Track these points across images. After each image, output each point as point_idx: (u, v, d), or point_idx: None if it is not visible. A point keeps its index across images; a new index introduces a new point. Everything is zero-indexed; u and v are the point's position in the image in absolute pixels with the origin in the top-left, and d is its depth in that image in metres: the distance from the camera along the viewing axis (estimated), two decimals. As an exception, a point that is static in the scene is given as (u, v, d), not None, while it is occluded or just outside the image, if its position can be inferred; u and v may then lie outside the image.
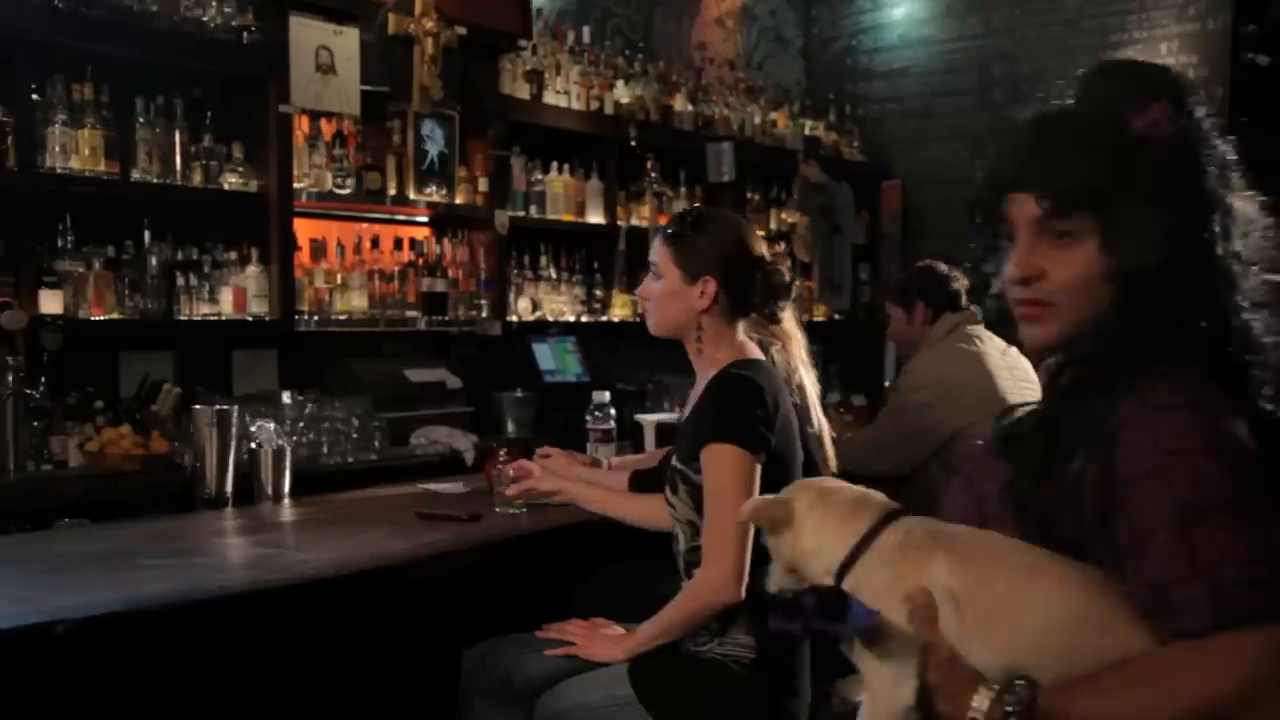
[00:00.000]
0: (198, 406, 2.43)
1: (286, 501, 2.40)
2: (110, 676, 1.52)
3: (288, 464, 2.40)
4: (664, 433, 2.86)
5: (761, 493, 1.95)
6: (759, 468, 1.96)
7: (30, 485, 3.20)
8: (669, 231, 2.15)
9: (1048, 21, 5.78)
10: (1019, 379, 2.79)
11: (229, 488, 2.37)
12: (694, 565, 2.00)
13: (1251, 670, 0.97)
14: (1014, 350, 2.87)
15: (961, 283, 2.86)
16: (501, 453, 2.39)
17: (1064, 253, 1.19)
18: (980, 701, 1.01)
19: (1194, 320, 1.13)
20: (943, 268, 2.94)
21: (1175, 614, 1.00)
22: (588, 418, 2.66)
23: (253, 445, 2.40)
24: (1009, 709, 1.00)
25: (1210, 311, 1.14)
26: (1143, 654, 1.01)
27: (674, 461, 2.06)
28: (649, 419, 2.97)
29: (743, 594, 1.91)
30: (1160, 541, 1.00)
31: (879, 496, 1.24)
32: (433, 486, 2.55)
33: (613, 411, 2.67)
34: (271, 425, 2.44)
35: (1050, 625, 1.04)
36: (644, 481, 2.33)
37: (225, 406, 2.38)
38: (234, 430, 2.35)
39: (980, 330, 2.85)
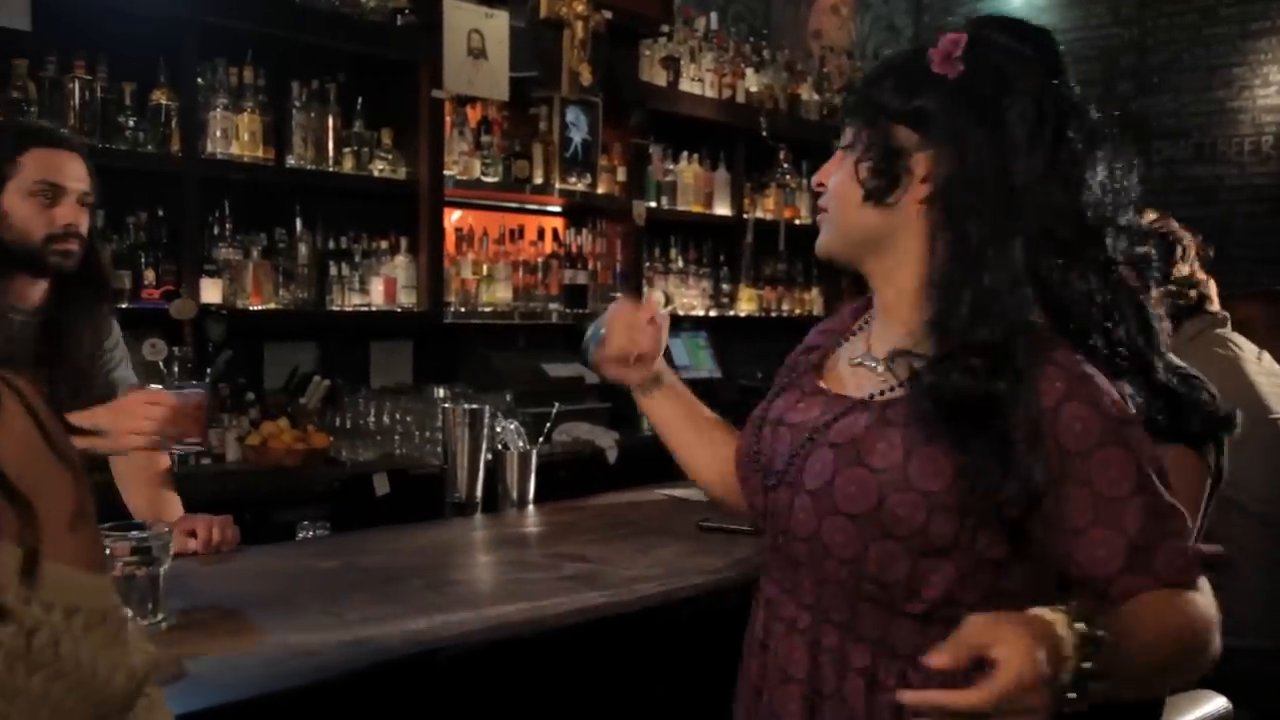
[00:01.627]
0: (447, 405, 2.31)
1: (532, 508, 2.28)
2: (476, 703, 1.40)
3: (533, 468, 2.28)
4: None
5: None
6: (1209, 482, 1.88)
7: (194, 480, 3.11)
8: None
9: (1182, 10, 5.57)
10: (1278, 386, 2.62)
11: (479, 492, 2.25)
12: None
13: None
14: (1267, 355, 2.70)
15: (1206, 283, 2.66)
16: None
17: (836, 164, 1.26)
18: None
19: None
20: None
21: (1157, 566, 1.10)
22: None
23: (499, 447, 2.27)
24: None
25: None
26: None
27: None
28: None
29: None
30: (1136, 503, 1.10)
31: None
32: (676, 493, 2.42)
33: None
34: (513, 425, 2.32)
35: None
36: None
37: (476, 406, 2.25)
38: (485, 431, 2.23)
39: (1232, 333, 2.67)
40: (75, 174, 2.08)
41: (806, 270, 5.33)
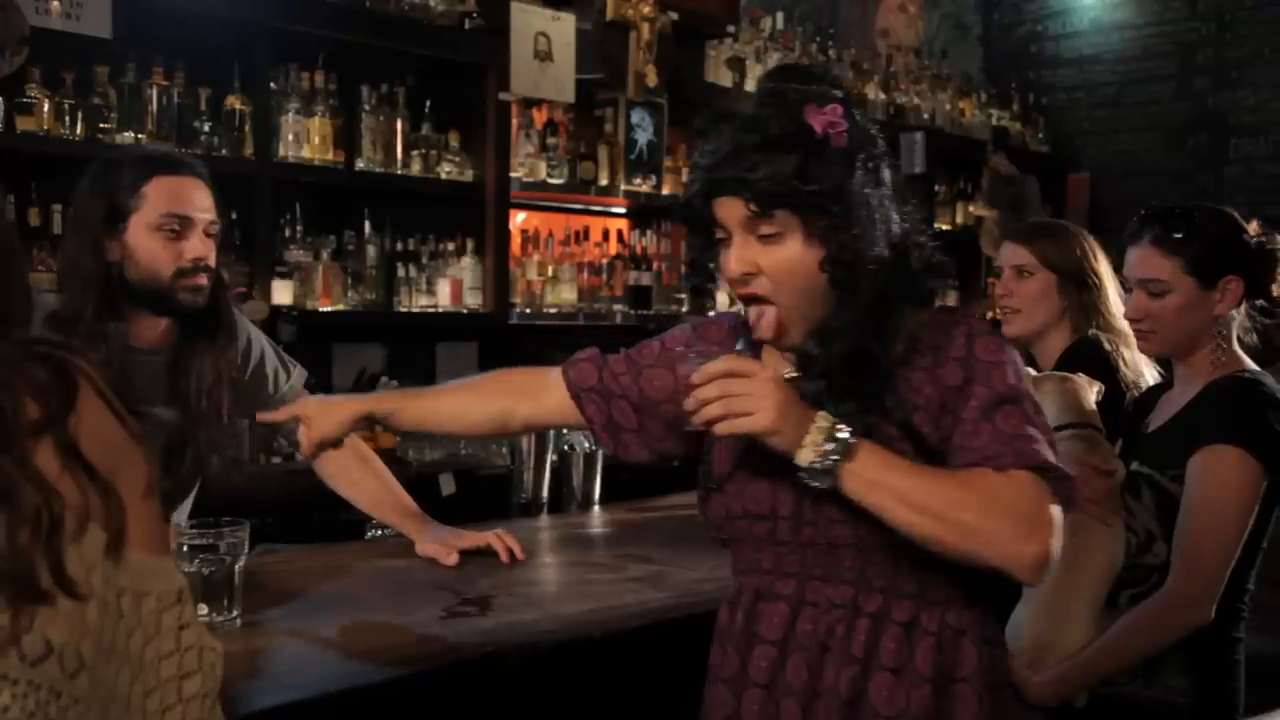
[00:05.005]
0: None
1: (597, 509, 2.29)
2: (544, 703, 1.41)
3: (599, 468, 2.28)
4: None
5: (1260, 517, 1.76)
6: (1264, 487, 1.75)
7: (264, 479, 3.17)
8: (1171, 238, 1.84)
9: (1263, 2, 5.42)
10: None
11: (544, 493, 2.26)
12: (1133, 584, 1.82)
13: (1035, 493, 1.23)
14: None
15: None
16: None
17: (773, 249, 1.28)
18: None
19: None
20: None
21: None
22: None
23: (565, 448, 2.28)
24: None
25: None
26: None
27: (1139, 466, 1.89)
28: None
29: (1212, 616, 1.73)
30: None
31: None
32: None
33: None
34: (580, 427, 2.33)
35: None
36: None
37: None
38: (551, 432, 2.25)
39: None
40: (202, 203, 1.95)
41: (872, 271, 5.26)
